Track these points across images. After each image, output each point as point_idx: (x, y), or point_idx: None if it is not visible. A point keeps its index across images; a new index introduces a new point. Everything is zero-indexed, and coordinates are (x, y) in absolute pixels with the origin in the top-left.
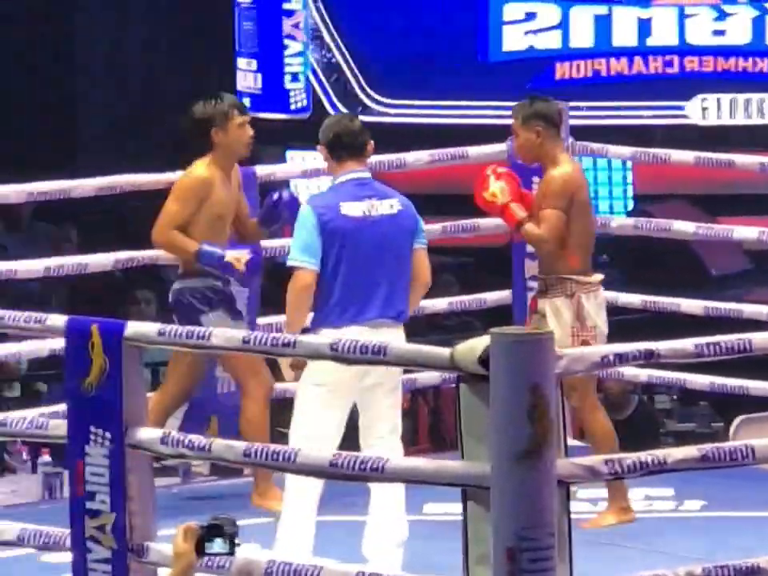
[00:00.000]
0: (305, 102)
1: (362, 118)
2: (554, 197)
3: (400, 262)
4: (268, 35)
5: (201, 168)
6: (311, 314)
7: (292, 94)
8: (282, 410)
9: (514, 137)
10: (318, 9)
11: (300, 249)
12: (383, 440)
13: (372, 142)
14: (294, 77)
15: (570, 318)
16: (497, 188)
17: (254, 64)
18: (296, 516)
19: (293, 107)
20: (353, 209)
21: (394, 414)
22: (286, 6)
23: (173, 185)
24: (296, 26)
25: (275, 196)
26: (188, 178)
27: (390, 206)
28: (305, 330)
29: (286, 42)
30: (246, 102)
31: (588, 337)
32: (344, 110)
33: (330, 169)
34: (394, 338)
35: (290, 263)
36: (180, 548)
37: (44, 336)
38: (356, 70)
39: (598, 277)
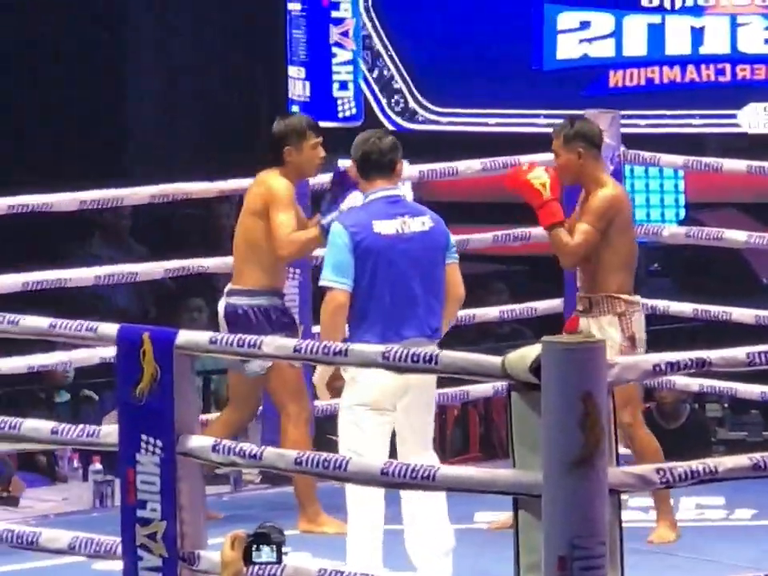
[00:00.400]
0: (354, 111)
1: (413, 126)
2: (595, 215)
3: (434, 279)
4: (316, 43)
5: (279, 178)
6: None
7: (340, 102)
8: (330, 420)
9: (555, 157)
10: (369, 17)
11: (333, 268)
12: (418, 456)
13: (403, 161)
14: (343, 85)
15: (618, 337)
16: (546, 179)
17: (303, 72)
18: (363, 527)
19: (341, 115)
20: (386, 227)
21: (428, 430)
22: (334, 14)
23: (220, 192)
24: (344, 33)
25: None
26: (279, 187)
27: (422, 223)
28: None
29: (335, 50)
30: (296, 109)
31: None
32: (396, 119)
33: (360, 186)
34: None
35: (322, 283)
36: (228, 556)
37: (94, 345)
38: (407, 78)
39: (639, 298)
